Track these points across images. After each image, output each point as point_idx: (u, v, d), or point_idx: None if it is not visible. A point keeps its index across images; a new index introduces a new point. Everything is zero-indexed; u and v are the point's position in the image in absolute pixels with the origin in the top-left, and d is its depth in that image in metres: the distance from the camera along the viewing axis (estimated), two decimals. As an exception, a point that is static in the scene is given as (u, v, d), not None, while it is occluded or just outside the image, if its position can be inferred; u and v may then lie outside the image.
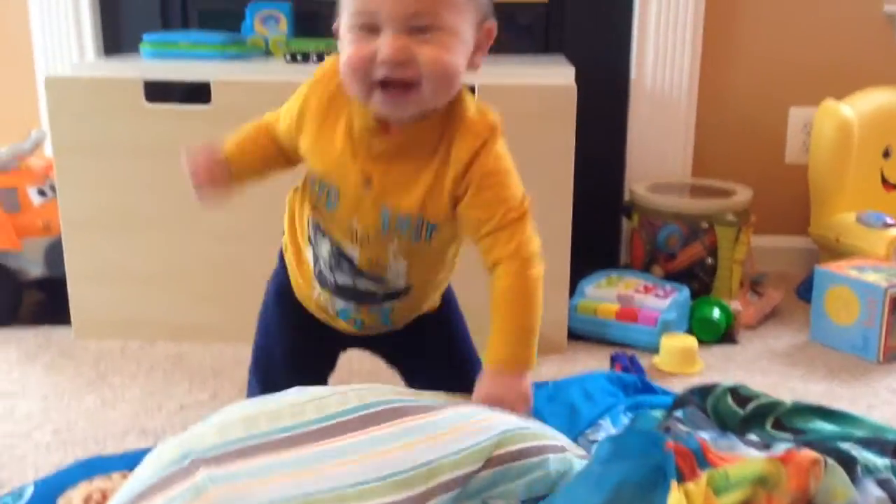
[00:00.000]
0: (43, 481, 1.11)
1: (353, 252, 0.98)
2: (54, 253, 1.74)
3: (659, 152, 2.02)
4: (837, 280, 1.65)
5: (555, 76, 1.61)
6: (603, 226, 2.00)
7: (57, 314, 1.74)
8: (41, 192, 1.81)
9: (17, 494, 1.08)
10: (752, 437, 0.96)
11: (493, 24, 0.95)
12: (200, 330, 1.66)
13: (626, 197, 1.97)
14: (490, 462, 0.81)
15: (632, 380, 1.14)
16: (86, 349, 1.64)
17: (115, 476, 1.05)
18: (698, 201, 1.86)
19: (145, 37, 1.79)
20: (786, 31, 2.03)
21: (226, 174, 1.02)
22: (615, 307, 1.66)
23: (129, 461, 1.07)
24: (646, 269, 1.86)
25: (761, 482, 0.74)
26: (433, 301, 1.09)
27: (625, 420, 1.00)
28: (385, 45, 0.86)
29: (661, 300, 1.66)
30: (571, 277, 1.64)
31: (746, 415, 0.99)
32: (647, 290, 1.70)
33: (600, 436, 1.04)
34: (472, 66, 0.95)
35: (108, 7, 2.07)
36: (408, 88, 0.88)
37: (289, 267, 1.08)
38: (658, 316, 1.62)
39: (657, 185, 1.94)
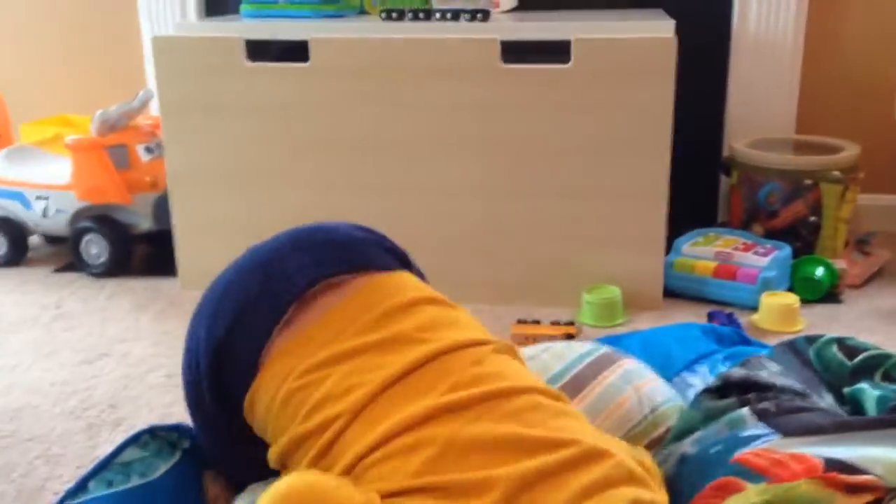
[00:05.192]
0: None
1: None
2: (161, 208, 1.82)
3: (761, 107, 1.95)
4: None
5: (653, 29, 1.57)
6: (700, 183, 1.95)
7: (164, 266, 1.82)
8: (149, 150, 1.88)
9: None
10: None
11: None
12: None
13: (726, 153, 1.92)
14: None
15: (727, 332, 1.12)
16: (193, 299, 1.70)
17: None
18: (801, 158, 1.80)
19: (245, -3, 1.83)
20: (900, -22, 1.93)
21: None
22: (713, 264, 1.63)
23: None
24: (745, 227, 1.81)
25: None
26: None
27: (722, 369, 0.99)
28: None
29: (762, 258, 1.62)
30: (668, 236, 1.62)
31: (855, 366, 0.96)
32: (746, 247, 1.66)
33: (696, 381, 1.04)
34: None
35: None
36: None
37: None
38: (758, 273, 1.58)
39: (758, 141, 1.88)
